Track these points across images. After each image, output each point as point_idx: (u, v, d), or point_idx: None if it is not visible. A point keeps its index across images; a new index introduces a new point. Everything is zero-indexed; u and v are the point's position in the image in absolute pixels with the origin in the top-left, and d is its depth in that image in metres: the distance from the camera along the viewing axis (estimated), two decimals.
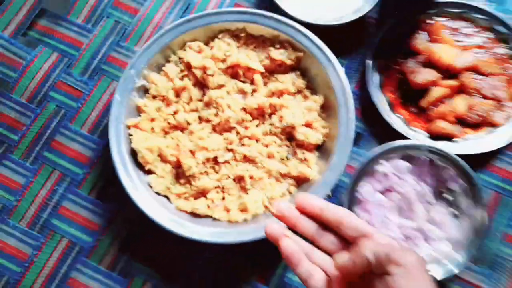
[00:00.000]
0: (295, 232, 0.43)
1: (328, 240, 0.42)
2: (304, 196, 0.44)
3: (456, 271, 0.54)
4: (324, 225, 0.42)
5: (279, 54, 0.61)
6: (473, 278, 0.57)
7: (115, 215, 0.60)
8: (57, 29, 0.67)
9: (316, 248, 0.43)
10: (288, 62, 0.61)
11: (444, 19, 0.64)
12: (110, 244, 0.59)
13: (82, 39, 0.66)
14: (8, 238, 0.59)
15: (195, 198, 0.58)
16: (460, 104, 0.59)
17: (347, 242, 0.41)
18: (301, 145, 0.59)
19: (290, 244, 0.43)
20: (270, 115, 0.61)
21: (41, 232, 0.59)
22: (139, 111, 0.60)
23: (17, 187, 0.61)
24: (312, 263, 0.42)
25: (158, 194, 0.58)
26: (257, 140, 0.59)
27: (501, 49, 0.62)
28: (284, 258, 0.42)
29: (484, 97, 0.60)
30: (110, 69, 0.65)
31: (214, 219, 0.57)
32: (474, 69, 0.61)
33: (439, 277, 0.53)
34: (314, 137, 0.58)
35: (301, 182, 0.59)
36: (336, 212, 0.42)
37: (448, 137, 0.60)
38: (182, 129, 0.60)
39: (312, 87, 0.62)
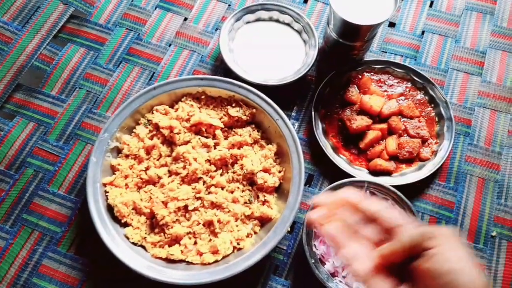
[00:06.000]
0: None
1: (368, 229, 0.43)
2: (343, 190, 0.46)
3: None
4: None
5: (235, 112, 0.65)
6: None
7: (93, 269, 0.60)
8: (32, 101, 0.69)
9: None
10: (244, 117, 0.66)
11: (370, 74, 0.71)
12: None
13: (57, 108, 0.69)
14: None
15: (170, 245, 0.59)
16: (391, 143, 0.66)
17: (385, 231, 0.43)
18: (261, 189, 0.63)
19: (335, 227, 0.44)
20: (232, 164, 0.64)
21: None
22: (113, 170, 0.62)
23: None
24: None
25: (135, 244, 0.59)
26: (222, 188, 0.62)
27: (420, 95, 0.70)
28: (329, 241, 0.43)
29: (410, 136, 0.67)
30: (84, 134, 0.68)
31: (188, 262, 0.58)
32: (399, 113, 0.68)
33: None
34: (272, 180, 0.62)
35: (264, 221, 0.61)
36: (371, 206, 0.44)
37: (388, 172, 0.65)
38: (154, 183, 0.63)
39: (266, 137, 0.67)
